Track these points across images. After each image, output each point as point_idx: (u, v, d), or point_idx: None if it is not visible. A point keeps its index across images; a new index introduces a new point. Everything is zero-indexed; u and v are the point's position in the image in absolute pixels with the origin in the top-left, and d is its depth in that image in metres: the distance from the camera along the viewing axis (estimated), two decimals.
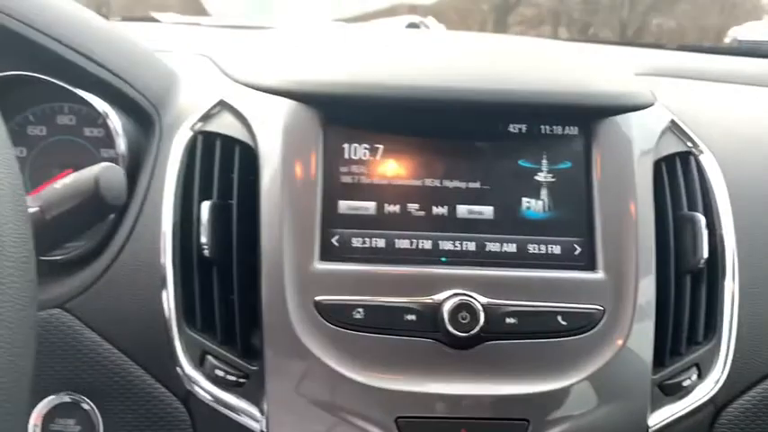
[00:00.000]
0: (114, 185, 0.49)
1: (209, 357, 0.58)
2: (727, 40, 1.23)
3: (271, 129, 0.61)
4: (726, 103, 0.79)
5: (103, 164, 0.49)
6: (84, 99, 0.64)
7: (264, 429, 0.56)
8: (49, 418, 0.58)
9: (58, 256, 0.61)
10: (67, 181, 0.48)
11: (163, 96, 0.67)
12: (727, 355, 0.61)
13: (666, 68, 0.85)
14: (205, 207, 0.59)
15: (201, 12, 1.40)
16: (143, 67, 0.67)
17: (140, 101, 0.64)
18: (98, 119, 0.66)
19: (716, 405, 0.62)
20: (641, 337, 0.58)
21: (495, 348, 0.57)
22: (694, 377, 0.61)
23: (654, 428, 0.59)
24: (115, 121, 0.63)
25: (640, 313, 0.58)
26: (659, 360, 0.60)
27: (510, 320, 0.57)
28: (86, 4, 0.65)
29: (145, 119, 0.66)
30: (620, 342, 0.57)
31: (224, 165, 0.62)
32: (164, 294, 0.58)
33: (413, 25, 1.00)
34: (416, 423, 0.56)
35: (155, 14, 1.06)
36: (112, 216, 0.62)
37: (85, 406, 0.58)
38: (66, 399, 0.58)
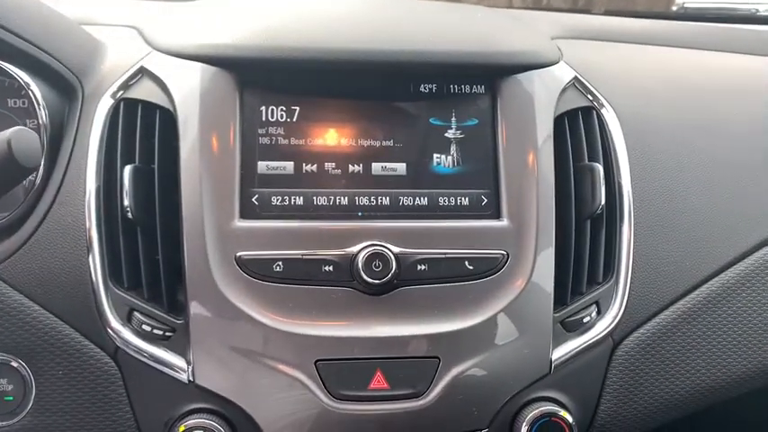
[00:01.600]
0: (27, 147, 0.50)
1: (136, 314, 0.61)
2: (674, 8, 1.27)
3: (189, 94, 0.63)
4: (634, 63, 0.83)
5: (16, 128, 0.50)
6: (4, 70, 0.65)
7: (191, 378, 0.60)
8: None
9: None
10: None
11: (85, 65, 0.68)
12: (624, 294, 0.67)
13: (585, 32, 0.89)
14: (127, 171, 0.61)
15: None
16: (64, 36, 0.68)
17: (62, 70, 0.65)
18: (21, 90, 0.67)
19: (613, 339, 0.67)
20: (542, 278, 0.63)
21: (408, 293, 0.61)
22: (594, 314, 0.66)
23: (557, 362, 0.64)
24: (36, 91, 0.65)
25: (541, 256, 0.63)
26: (562, 299, 0.65)
27: (421, 267, 0.61)
28: None
29: (67, 88, 0.67)
30: (522, 283, 0.62)
31: (145, 130, 0.64)
32: (90, 256, 0.60)
33: None
34: (335, 364, 0.60)
35: None
36: (37, 184, 0.63)
37: (15, 365, 0.60)
38: None
